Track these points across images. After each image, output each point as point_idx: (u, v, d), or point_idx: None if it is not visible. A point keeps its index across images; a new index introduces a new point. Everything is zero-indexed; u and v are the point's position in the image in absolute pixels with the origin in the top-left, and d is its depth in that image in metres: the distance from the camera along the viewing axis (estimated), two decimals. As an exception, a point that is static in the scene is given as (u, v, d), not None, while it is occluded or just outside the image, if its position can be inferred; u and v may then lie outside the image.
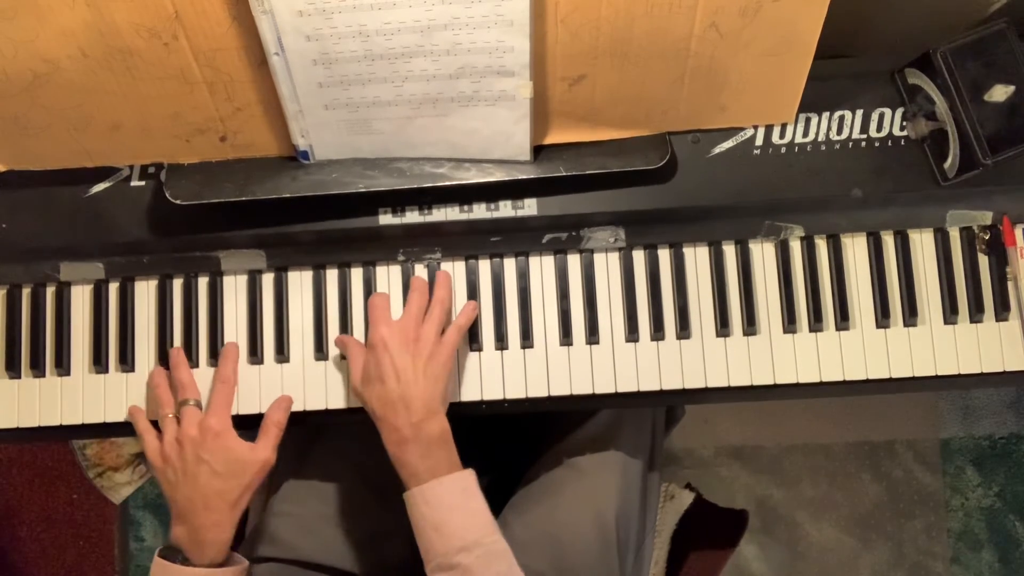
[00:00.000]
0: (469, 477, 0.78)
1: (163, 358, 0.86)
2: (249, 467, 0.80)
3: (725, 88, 0.78)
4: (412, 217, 0.83)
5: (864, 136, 0.83)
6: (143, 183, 0.84)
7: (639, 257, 0.87)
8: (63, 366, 0.87)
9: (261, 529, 0.92)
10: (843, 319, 0.85)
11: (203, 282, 0.87)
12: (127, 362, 0.86)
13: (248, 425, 0.84)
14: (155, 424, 0.84)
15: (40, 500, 1.59)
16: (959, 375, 0.85)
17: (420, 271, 0.87)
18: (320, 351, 0.86)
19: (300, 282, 0.87)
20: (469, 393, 0.85)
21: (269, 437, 0.82)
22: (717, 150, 0.83)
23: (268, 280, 0.87)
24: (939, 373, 0.85)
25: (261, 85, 0.75)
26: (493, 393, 0.85)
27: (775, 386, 0.85)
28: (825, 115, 0.83)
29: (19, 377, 0.87)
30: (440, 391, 0.79)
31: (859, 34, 0.90)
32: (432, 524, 0.75)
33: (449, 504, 0.76)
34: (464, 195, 0.83)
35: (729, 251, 0.86)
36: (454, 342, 0.81)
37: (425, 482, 0.76)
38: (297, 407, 0.85)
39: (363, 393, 0.80)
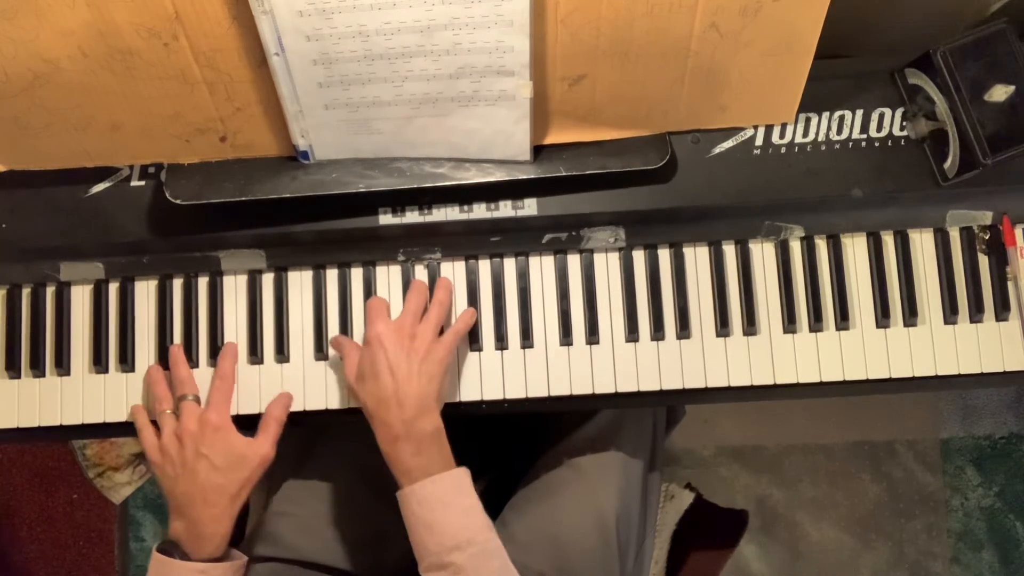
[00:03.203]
0: (462, 475, 0.77)
1: (163, 358, 0.86)
2: (248, 461, 0.80)
3: (725, 88, 0.78)
4: (412, 217, 0.83)
5: (864, 136, 0.83)
6: (143, 183, 0.84)
7: (639, 257, 0.87)
8: (63, 366, 0.87)
9: (261, 529, 0.92)
10: (843, 319, 0.85)
11: (203, 282, 0.87)
12: (127, 362, 0.86)
13: (248, 425, 0.83)
14: (154, 423, 0.84)
15: (40, 500, 1.59)
16: (959, 375, 0.85)
17: (420, 271, 0.87)
18: (320, 351, 0.86)
19: (300, 282, 0.87)
20: (469, 393, 0.85)
21: (269, 432, 0.82)
22: (717, 150, 0.83)
23: (268, 280, 0.87)
24: (939, 373, 0.85)
25: (261, 85, 0.75)
26: (493, 393, 0.85)
27: (775, 386, 0.85)
28: (825, 115, 0.83)
29: (19, 377, 0.87)
30: (435, 389, 0.78)
31: (859, 34, 0.90)
32: (424, 523, 0.75)
33: (443, 503, 0.75)
34: (464, 195, 0.83)
35: (729, 251, 0.86)
36: (452, 343, 0.81)
37: (417, 480, 0.75)
38: (297, 407, 0.85)
39: (357, 390, 0.79)
